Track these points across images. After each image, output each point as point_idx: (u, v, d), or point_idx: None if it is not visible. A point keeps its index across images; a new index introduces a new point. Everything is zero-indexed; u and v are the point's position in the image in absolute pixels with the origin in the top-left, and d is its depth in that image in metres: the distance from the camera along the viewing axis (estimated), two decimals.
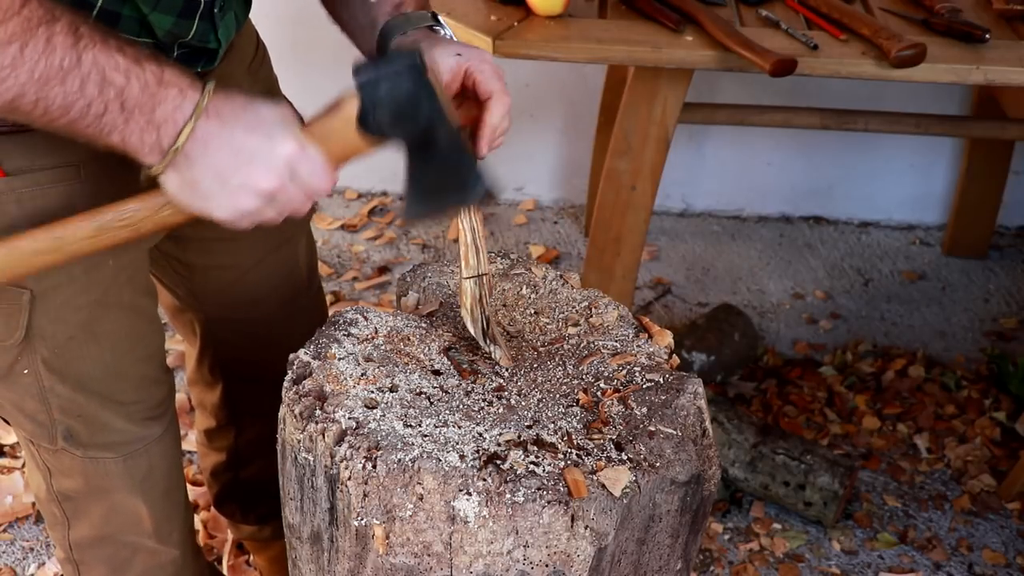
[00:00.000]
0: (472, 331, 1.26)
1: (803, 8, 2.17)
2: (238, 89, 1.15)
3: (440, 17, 1.34)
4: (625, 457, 1.13)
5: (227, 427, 1.83)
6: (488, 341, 1.26)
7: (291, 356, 1.23)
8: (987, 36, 2.03)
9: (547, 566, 1.10)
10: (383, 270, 3.03)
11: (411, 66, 1.13)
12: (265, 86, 1.52)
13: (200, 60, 1.29)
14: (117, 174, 1.28)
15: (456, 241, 3.20)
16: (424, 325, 1.32)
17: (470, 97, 1.26)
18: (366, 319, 1.29)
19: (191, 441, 2.23)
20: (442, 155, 1.18)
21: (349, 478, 1.10)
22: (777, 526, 2.28)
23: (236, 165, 1.11)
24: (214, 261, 1.54)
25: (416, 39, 1.28)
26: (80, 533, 1.52)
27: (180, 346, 2.50)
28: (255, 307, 1.61)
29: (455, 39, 1.33)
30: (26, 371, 1.33)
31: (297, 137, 1.13)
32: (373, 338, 1.27)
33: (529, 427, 1.16)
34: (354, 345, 1.25)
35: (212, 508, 2.14)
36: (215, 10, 1.25)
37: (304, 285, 1.67)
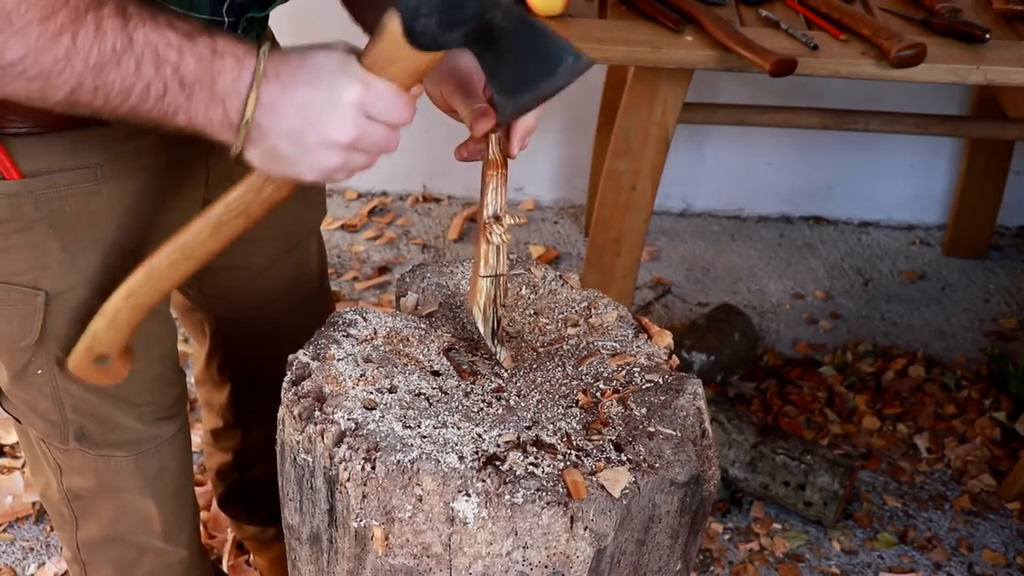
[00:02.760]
0: (482, 330, 1.25)
1: (803, 8, 2.17)
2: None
3: None
4: (624, 458, 1.13)
5: (234, 428, 1.83)
6: (496, 342, 1.26)
7: (290, 357, 1.23)
8: (987, 36, 2.03)
9: (546, 567, 1.10)
10: (383, 270, 3.03)
11: None
12: None
13: None
14: (135, 176, 1.28)
15: (458, 241, 3.20)
16: (423, 326, 1.31)
17: None
18: (365, 320, 1.29)
19: (194, 441, 2.23)
20: (508, 39, 1.09)
21: (348, 479, 1.10)
22: (777, 526, 2.28)
23: (308, 124, 1.07)
24: (226, 262, 1.54)
25: None
26: (88, 533, 1.52)
27: (183, 347, 2.49)
28: (266, 308, 1.61)
29: None
30: (40, 371, 1.33)
31: (360, 77, 1.07)
32: (372, 339, 1.27)
33: (528, 428, 1.16)
34: (353, 346, 1.25)
35: (215, 507, 2.14)
36: (238, 31, 1.23)
37: (315, 288, 1.67)
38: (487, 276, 1.24)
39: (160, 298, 1.26)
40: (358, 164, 1.11)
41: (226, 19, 1.19)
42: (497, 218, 1.21)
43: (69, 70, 1.00)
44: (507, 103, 1.12)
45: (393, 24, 1.06)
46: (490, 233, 1.21)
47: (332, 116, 1.07)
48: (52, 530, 2.20)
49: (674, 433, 1.17)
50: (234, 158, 1.10)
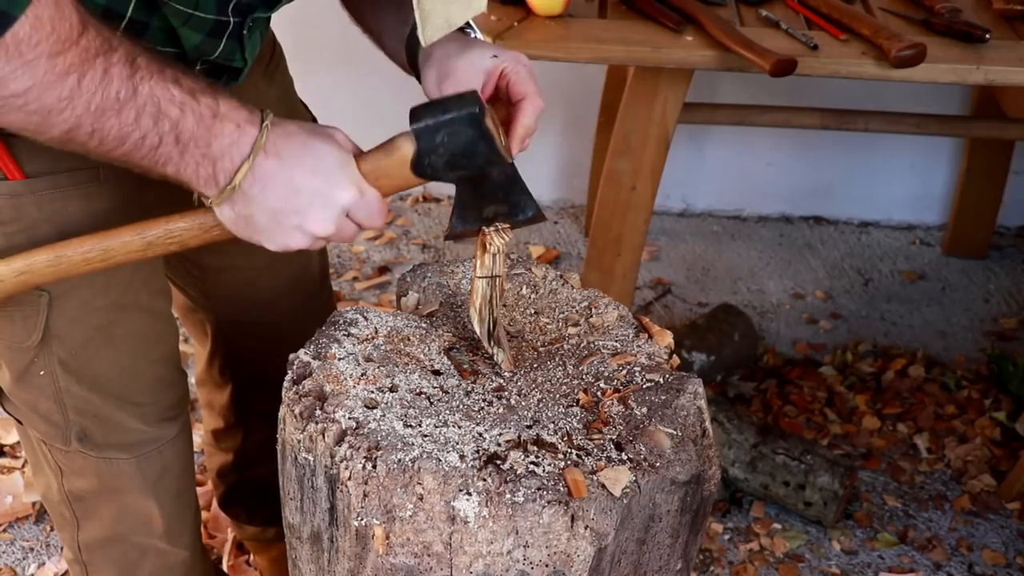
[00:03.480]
0: (478, 331, 1.25)
1: (803, 8, 2.17)
2: (271, 108, 1.14)
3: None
4: (625, 457, 1.13)
5: (235, 428, 1.83)
6: (492, 343, 1.26)
7: (291, 356, 1.23)
8: (987, 36, 2.03)
9: (547, 566, 1.10)
10: (383, 270, 3.03)
11: (471, 116, 1.13)
12: (281, 89, 1.52)
13: (223, 75, 1.28)
14: (137, 176, 1.28)
15: (458, 241, 3.19)
16: (424, 325, 1.31)
17: (502, 98, 1.26)
18: (366, 319, 1.29)
19: (195, 441, 2.23)
20: (493, 188, 1.20)
21: (349, 478, 1.10)
22: (777, 526, 2.28)
23: (294, 207, 1.11)
24: (228, 263, 1.54)
25: (448, 40, 1.27)
26: (90, 534, 1.52)
27: (184, 347, 2.49)
28: (267, 309, 1.61)
29: (485, 40, 1.32)
30: (42, 372, 1.33)
31: (357, 182, 1.13)
32: (373, 338, 1.27)
33: (529, 427, 1.16)
34: (354, 345, 1.25)
35: (215, 507, 2.14)
36: (243, 31, 1.24)
37: (316, 288, 1.67)
38: (483, 277, 1.24)
39: (52, 283, 1.25)
40: (315, 247, 1.17)
41: (232, 19, 1.19)
42: (496, 229, 1.23)
43: (70, 110, 1.01)
44: (459, 227, 1.23)
45: (406, 149, 1.14)
46: (489, 242, 1.23)
47: (320, 210, 1.12)
48: (52, 530, 2.20)
49: (675, 432, 1.17)
50: (197, 203, 1.14)
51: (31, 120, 1.02)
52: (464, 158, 1.15)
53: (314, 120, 1.22)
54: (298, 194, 1.11)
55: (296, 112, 1.54)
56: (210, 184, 1.10)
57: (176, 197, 1.35)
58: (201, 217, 1.17)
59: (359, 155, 1.16)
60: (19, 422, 1.43)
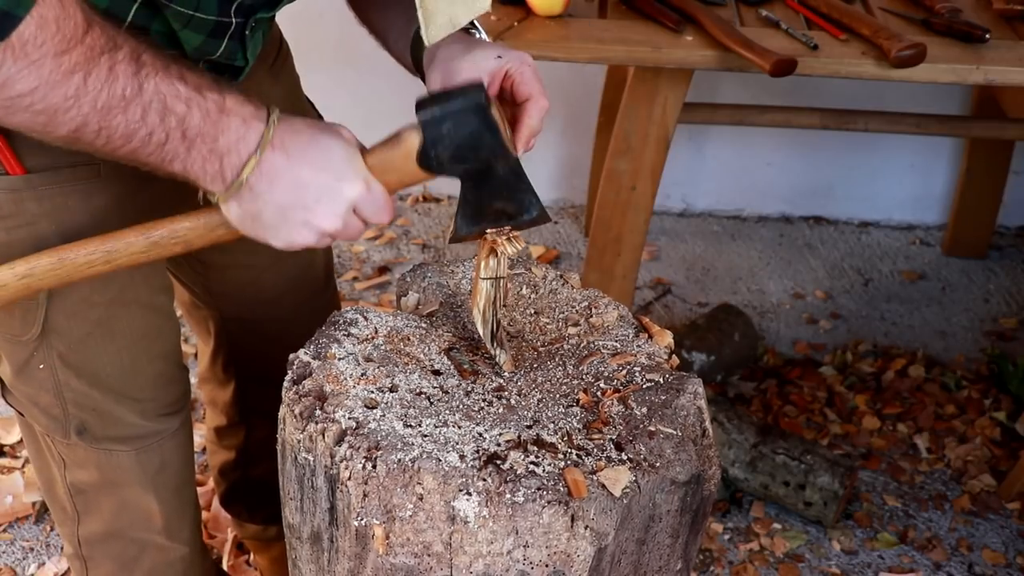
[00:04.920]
0: (481, 332, 1.25)
1: (803, 8, 2.17)
2: (285, 109, 1.14)
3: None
4: (625, 457, 1.13)
5: (238, 426, 1.83)
6: (495, 344, 1.26)
7: (291, 356, 1.23)
8: (987, 36, 2.03)
9: (547, 566, 1.10)
10: (383, 270, 3.03)
11: (477, 105, 1.12)
12: (287, 87, 1.52)
13: (224, 74, 1.27)
14: (137, 172, 1.28)
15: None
16: (424, 325, 1.31)
17: (507, 99, 1.26)
18: (366, 319, 1.29)
19: (196, 440, 2.23)
20: (499, 184, 1.19)
21: (349, 478, 1.10)
22: (777, 526, 2.28)
23: (301, 203, 1.11)
24: (232, 260, 1.54)
25: (453, 40, 1.27)
26: (90, 529, 1.52)
27: (185, 345, 2.49)
28: (271, 307, 1.61)
29: (489, 39, 1.32)
30: (42, 366, 1.34)
31: (364, 177, 1.13)
32: (373, 338, 1.27)
33: (529, 427, 1.16)
34: (354, 345, 1.25)
35: (215, 507, 2.14)
36: (246, 31, 1.24)
37: (320, 287, 1.67)
38: (487, 279, 1.24)
39: (56, 288, 1.25)
40: (322, 244, 1.16)
41: (234, 20, 1.19)
42: (507, 236, 1.23)
43: (76, 109, 1.01)
44: (465, 227, 1.22)
45: (412, 142, 1.13)
46: (500, 251, 1.23)
47: (327, 205, 1.11)
48: (52, 530, 2.20)
49: (674, 432, 1.17)
50: (202, 202, 1.13)
51: (38, 120, 1.02)
52: (470, 149, 1.14)
53: (320, 118, 1.22)
54: (305, 189, 1.10)
55: (302, 110, 1.54)
56: (217, 180, 1.10)
57: (177, 193, 1.35)
58: (206, 217, 1.17)
59: (365, 150, 1.16)
60: (21, 415, 1.43)
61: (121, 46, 1.02)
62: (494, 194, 1.20)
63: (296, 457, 1.17)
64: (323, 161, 1.11)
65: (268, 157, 1.09)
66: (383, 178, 1.15)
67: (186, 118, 1.05)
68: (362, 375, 1.21)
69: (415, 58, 1.32)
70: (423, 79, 1.32)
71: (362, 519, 1.11)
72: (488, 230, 1.23)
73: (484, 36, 1.32)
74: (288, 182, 1.10)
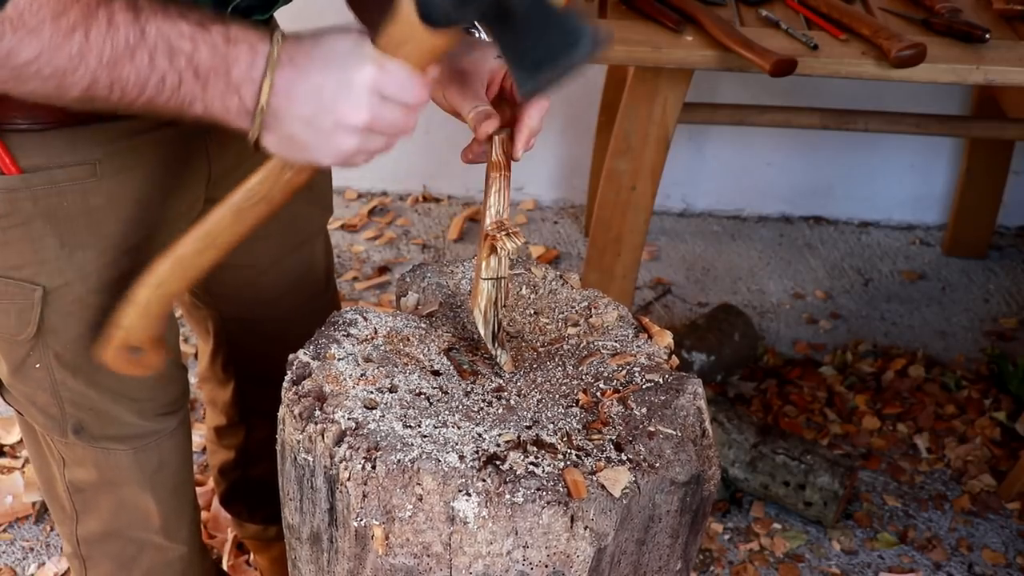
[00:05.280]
0: (482, 332, 1.25)
1: (803, 8, 2.17)
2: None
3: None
4: (625, 457, 1.13)
5: (237, 425, 1.83)
6: (496, 345, 1.26)
7: (290, 356, 1.23)
8: (987, 36, 2.03)
9: (547, 567, 1.10)
10: (383, 270, 3.03)
11: None
12: None
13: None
14: (134, 172, 1.28)
15: (458, 241, 3.20)
16: (424, 325, 1.31)
17: (507, 99, 1.26)
18: (366, 319, 1.29)
19: (196, 440, 2.23)
20: (525, 18, 1.05)
21: (348, 479, 1.10)
22: (777, 526, 2.28)
23: (322, 108, 1.06)
24: (231, 260, 1.53)
25: None
26: (88, 528, 1.52)
27: (185, 346, 2.49)
28: (271, 307, 1.61)
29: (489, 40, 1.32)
30: (38, 365, 1.34)
31: (372, 58, 1.06)
32: (372, 338, 1.27)
33: (529, 428, 1.16)
34: (354, 345, 1.25)
35: (215, 507, 2.14)
36: None
37: (321, 287, 1.67)
38: (488, 279, 1.24)
39: (187, 287, 1.27)
40: (376, 147, 1.10)
41: None
42: (507, 232, 1.20)
43: (83, 66, 1.00)
44: (527, 80, 1.08)
45: (406, 3, 1.04)
46: (500, 247, 1.21)
47: (346, 99, 1.06)
48: (52, 530, 2.20)
49: (674, 433, 1.17)
50: (252, 145, 1.09)
51: (49, 84, 1.01)
52: None
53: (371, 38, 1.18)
54: (320, 92, 1.06)
55: None
56: (243, 115, 1.07)
57: (178, 190, 1.35)
58: (268, 165, 1.14)
59: (373, 35, 1.09)
60: (20, 414, 1.43)
61: None
62: (529, 28, 1.06)
63: (295, 457, 1.17)
64: (328, 59, 1.07)
65: (279, 75, 1.05)
66: (398, 54, 1.07)
67: (194, 55, 1.03)
68: (362, 375, 1.21)
69: None
70: None
71: (361, 520, 1.11)
72: (549, 86, 1.08)
73: (484, 36, 1.32)
74: (303, 92, 1.06)
